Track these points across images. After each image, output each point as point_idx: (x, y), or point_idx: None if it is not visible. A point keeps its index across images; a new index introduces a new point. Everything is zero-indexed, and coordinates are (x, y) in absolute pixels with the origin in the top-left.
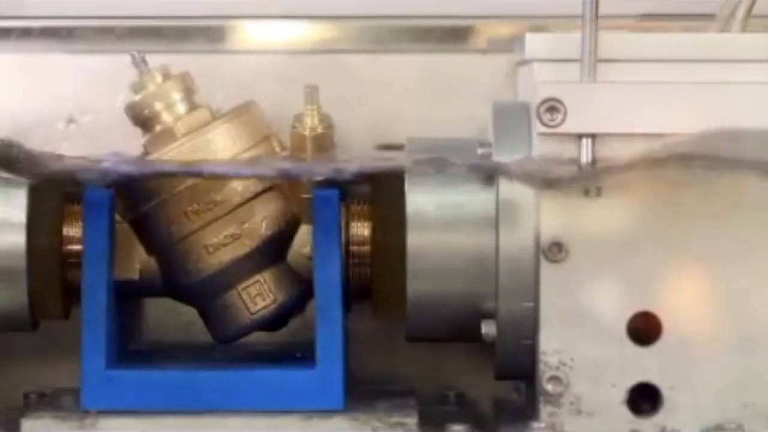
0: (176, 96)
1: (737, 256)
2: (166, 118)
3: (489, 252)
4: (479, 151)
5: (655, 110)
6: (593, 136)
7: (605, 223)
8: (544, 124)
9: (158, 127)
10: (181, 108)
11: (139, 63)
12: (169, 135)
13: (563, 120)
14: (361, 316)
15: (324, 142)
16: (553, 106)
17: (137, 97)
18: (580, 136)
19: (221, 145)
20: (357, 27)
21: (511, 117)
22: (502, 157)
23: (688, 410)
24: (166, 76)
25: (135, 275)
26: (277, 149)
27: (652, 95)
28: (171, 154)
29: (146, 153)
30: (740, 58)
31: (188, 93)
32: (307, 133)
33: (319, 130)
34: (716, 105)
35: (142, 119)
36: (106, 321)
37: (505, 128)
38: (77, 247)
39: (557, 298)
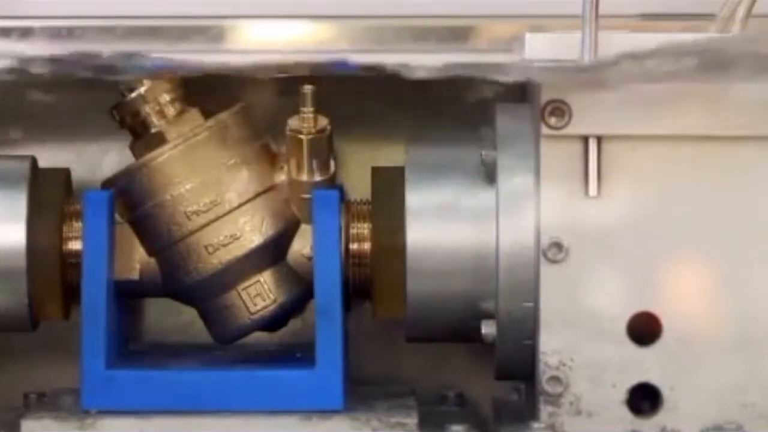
0: (166, 97)
1: (737, 257)
2: (156, 120)
3: (489, 252)
4: (482, 153)
5: (660, 110)
6: (599, 138)
7: (605, 223)
8: (549, 126)
9: (151, 130)
10: (171, 110)
11: None
12: (160, 138)
13: (568, 122)
14: (361, 316)
15: (321, 146)
16: (558, 108)
17: (127, 98)
18: (585, 138)
19: (214, 148)
20: (357, 27)
21: (516, 119)
22: (506, 159)
23: (688, 410)
24: (157, 77)
25: (135, 275)
26: (273, 151)
27: (656, 95)
28: (164, 158)
29: (135, 155)
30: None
31: (178, 94)
32: (303, 136)
33: (317, 132)
34: (719, 105)
35: (131, 122)
36: (106, 321)
37: (509, 130)
38: (77, 247)
39: (557, 298)
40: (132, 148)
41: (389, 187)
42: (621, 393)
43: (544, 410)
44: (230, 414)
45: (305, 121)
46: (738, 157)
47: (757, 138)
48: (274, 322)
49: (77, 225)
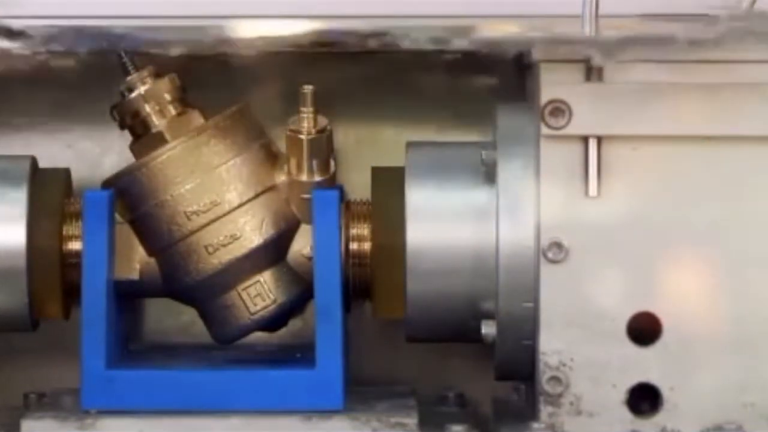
0: (167, 97)
1: (737, 258)
2: (156, 120)
3: (489, 252)
4: (482, 153)
5: (662, 111)
6: (599, 138)
7: (605, 223)
8: (549, 127)
9: (151, 130)
10: (171, 110)
11: (128, 64)
12: (160, 138)
13: (568, 122)
14: (361, 316)
15: (321, 146)
16: (558, 108)
17: (127, 98)
18: (585, 138)
19: (214, 148)
20: (357, 26)
21: (516, 119)
22: (506, 159)
23: (688, 410)
24: (157, 76)
25: (135, 275)
26: (273, 151)
27: (658, 96)
28: (164, 158)
29: (135, 155)
30: (743, 58)
31: (178, 94)
32: (303, 136)
33: (317, 132)
34: (721, 106)
35: (131, 122)
36: (106, 321)
37: (509, 130)
38: (77, 247)
39: (557, 298)
40: (132, 148)
41: (389, 187)
42: (621, 393)
43: (544, 410)
44: (230, 414)
45: (305, 121)
46: (738, 157)
47: (757, 138)
48: (274, 322)
49: (77, 225)
